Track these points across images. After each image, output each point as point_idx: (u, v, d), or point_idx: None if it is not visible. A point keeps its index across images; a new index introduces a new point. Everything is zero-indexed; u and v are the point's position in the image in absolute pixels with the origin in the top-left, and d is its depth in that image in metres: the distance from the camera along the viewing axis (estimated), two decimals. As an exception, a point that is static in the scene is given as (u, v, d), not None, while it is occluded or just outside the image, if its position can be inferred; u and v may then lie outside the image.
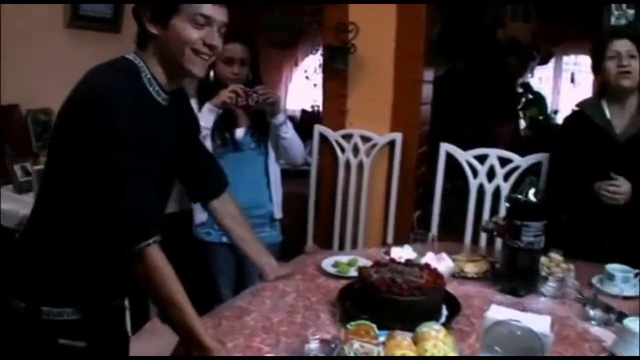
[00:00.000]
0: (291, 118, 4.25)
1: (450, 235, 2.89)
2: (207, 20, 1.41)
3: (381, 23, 3.24)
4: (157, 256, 1.34)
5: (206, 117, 2.42)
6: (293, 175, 3.67)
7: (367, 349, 1.24)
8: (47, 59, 3.01)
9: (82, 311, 1.45)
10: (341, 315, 1.57)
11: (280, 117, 2.57)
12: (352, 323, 1.34)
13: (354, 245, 3.34)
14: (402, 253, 1.98)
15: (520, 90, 5.85)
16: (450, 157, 2.91)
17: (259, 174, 2.65)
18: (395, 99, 3.29)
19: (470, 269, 1.95)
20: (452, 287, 1.79)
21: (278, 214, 2.71)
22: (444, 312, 1.57)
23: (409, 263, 1.73)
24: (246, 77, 2.55)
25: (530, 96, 5.94)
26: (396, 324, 1.36)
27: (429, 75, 3.43)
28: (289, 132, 2.60)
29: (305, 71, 6.37)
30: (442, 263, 1.90)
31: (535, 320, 1.24)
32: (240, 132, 2.58)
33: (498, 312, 1.25)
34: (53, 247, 1.44)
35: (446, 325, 1.44)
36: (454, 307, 1.60)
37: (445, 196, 3.14)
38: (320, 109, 4.00)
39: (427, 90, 3.43)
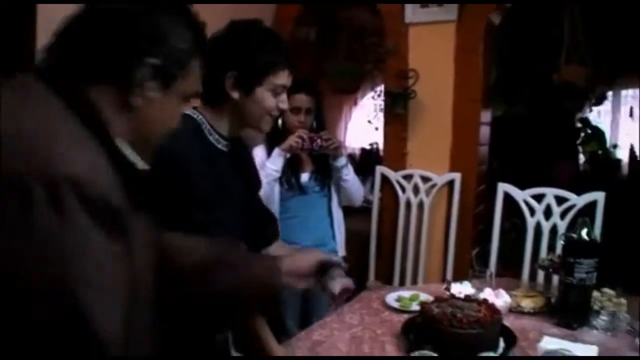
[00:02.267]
0: (351, 156, 4.41)
1: (508, 272, 2.92)
2: (284, 88, 1.61)
3: (440, 69, 3.38)
4: None
5: (275, 161, 2.61)
6: (355, 212, 3.82)
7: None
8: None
9: None
10: (405, 346, 1.67)
11: (342, 160, 2.73)
12: (416, 353, 1.46)
13: (414, 281, 3.43)
14: (462, 289, 2.07)
15: (579, 125, 5.84)
16: (508, 196, 2.99)
17: (323, 214, 2.80)
18: (453, 141, 3.40)
19: (527, 304, 2.02)
20: (509, 321, 1.86)
21: (342, 251, 2.84)
22: (501, 344, 1.66)
23: (467, 298, 1.82)
24: (311, 124, 2.72)
25: (589, 131, 5.90)
26: (456, 355, 1.47)
27: (486, 117, 3.53)
28: (349, 175, 2.76)
29: (368, 115, 6.55)
30: (499, 298, 1.98)
31: (584, 349, 1.33)
32: (305, 177, 2.74)
33: (550, 343, 1.35)
34: None
35: (503, 355, 1.54)
36: (511, 339, 1.69)
37: (504, 234, 3.21)
38: (380, 146, 4.15)
39: (485, 132, 3.53)
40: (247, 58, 1.57)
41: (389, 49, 3.48)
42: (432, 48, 3.40)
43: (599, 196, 2.73)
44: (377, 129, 5.05)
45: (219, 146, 1.62)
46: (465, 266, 3.28)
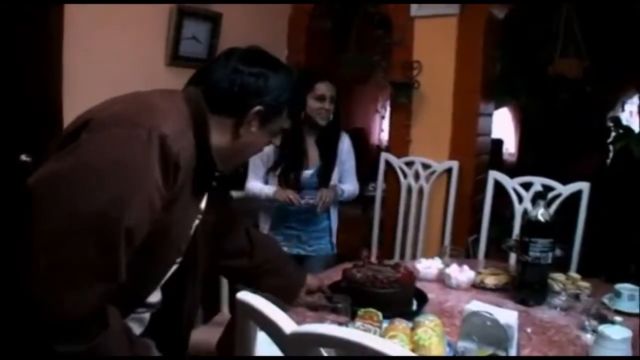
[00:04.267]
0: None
1: (503, 258, 3.01)
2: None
3: (442, 61, 3.48)
4: None
5: (271, 193, 2.69)
6: (361, 197, 3.96)
7: (366, 328, 1.50)
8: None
9: None
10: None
11: (340, 198, 2.82)
12: (362, 310, 1.60)
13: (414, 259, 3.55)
14: (431, 264, 2.21)
15: (610, 124, 5.81)
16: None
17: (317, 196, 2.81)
18: (453, 130, 3.51)
19: (490, 280, 2.10)
20: (470, 296, 1.95)
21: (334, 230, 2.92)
22: (414, 302, 1.84)
23: (382, 263, 1.95)
24: (333, 111, 2.75)
25: (620, 130, 5.86)
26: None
27: (486, 108, 3.61)
28: (344, 194, 2.84)
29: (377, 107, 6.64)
30: (463, 273, 2.09)
31: (506, 314, 1.44)
32: (307, 174, 2.78)
33: (476, 306, 1.47)
34: None
35: (417, 313, 1.70)
36: (422, 299, 1.86)
37: (504, 221, 3.29)
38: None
39: (485, 123, 3.61)
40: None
41: (395, 40, 3.58)
42: (436, 40, 3.49)
43: (584, 186, 2.78)
44: (383, 117, 5.17)
45: None
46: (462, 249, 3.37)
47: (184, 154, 1.20)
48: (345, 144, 2.88)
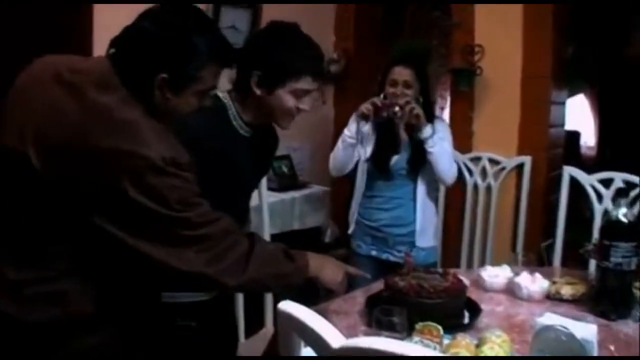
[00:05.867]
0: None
1: (581, 265, 2.93)
2: (305, 92, 1.82)
3: (507, 44, 3.43)
4: None
5: (350, 126, 2.81)
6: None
7: (426, 344, 1.49)
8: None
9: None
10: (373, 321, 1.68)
11: (426, 131, 2.72)
12: (420, 323, 1.59)
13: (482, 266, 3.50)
14: (499, 272, 2.16)
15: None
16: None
17: (406, 198, 2.86)
18: (522, 121, 3.45)
19: (567, 291, 2.03)
20: (543, 308, 1.89)
21: (420, 242, 2.85)
22: (466, 314, 1.80)
23: (428, 270, 1.93)
24: (415, 100, 2.75)
25: None
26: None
27: (559, 96, 3.54)
28: (434, 147, 2.73)
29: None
30: (535, 283, 2.03)
31: (583, 328, 1.41)
32: (395, 159, 2.84)
33: (549, 319, 1.44)
34: None
35: (469, 326, 1.69)
36: (476, 310, 1.82)
37: (584, 223, 3.22)
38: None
39: (558, 112, 3.55)
40: (272, 60, 1.79)
41: (454, 22, 3.55)
42: (500, 22, 3.44)
43: (674, 181, 2.69)
44: (442, 109, 5.10)
45: (241, 131, 1.89)
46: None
47: None
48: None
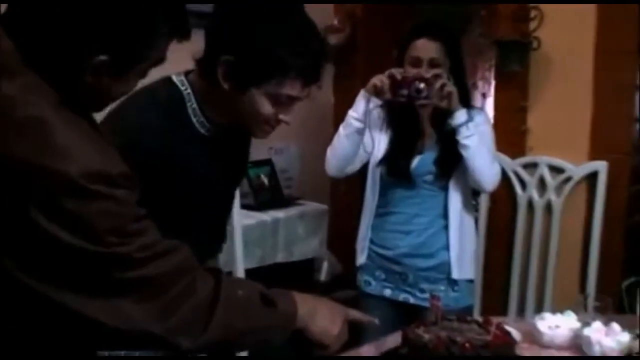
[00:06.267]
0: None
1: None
2: (290, 100, 1.76)
3: (574, 7, 3.39)
4: None
5: (357, 106, 2.77)
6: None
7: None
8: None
9: None
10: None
11: (461, 116, 2.69)
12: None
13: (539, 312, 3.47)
14: (561, 321, 2.13)
15: None
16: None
17: (434, 214, 2.86)
18: (595, 114, 3.42)
19: None
20: None
21: (458, 273, 2.84)
22: None
23: (463, 319, 1.92)
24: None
25: None
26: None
27: (650, 79, 3.50)
28: (471, 139, 2.70)
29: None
30: (611, 336, 2.01)
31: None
32: (418, 160, 2.82)
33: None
34: None
35: None
36: None
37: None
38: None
39: (648, 100, 3.51)
40: (249, 47, 1.71)
41: (502, -23, 3.54)
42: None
43: None
44: (484, 95, 5.08)
45: (201, 130, 1.85)
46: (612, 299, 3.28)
47: None
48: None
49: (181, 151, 1.79)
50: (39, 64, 1.32)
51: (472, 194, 2.92)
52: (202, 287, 1.48)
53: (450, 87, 2.66)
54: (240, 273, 2.58)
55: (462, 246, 2.86)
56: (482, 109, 2.96)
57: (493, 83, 3.93)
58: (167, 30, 1.39)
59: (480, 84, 6.36)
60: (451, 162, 2.78)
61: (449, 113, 2.69)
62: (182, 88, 1.82)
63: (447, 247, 2.85)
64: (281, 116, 1.79)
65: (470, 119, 2.69)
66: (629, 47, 3.35)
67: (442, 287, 2.84)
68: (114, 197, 1.30)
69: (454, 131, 2.68)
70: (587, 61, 3.43)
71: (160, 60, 1.46)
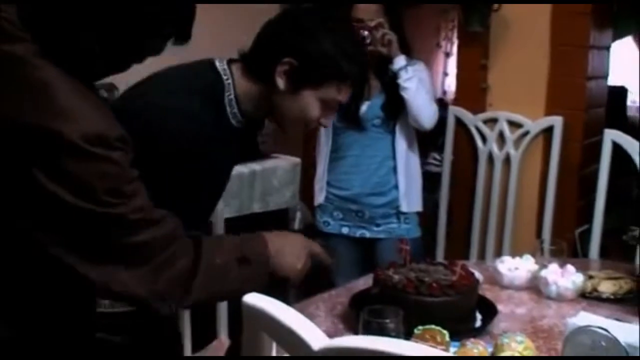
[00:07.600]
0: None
1: (625, 256, 2.99)
2: (336, 105, 1.86)
3: (533, -31, 3.43)
4: None
5: None
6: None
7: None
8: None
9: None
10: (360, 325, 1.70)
11: (399, 61, 2.87)
12: (420, 327, 1.65)
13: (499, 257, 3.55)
14: (520, 264, 2.22)
15: None
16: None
17: (384, 156, 3.04)
18: (551, 72, 3.49)
19: (607, 288, 2.11)
20: (576, 309, 1.94)
21: (407, 206, 3.04)
22: (478, 315, 1.87)
23: (431, 262, 1.99)
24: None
25: None
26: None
27: (601, 39, 3.58)
28: (410, 83, 2.88)
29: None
30: (567, 278, 2.09)
31: (628, 331, 1.47)
32: (367, 106, 2.97)
33: (584, 319, 1.50)
34: None
35: (482, 330, 1.76)
36: (491, 310, 1.88)
37: (625, 205, 3.27)
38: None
39: (600, 60, 3.59)
40: (314, 53, 1.79)
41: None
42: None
43: None
44: (448, 54, 5.07)
45: (233, 121, 1.86)
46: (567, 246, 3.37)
47: None
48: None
49: (210, 139, 1.80)
50: (47, 38, 1.32)
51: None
52: (183, 255, 1.50)
53: (391, 35, 2.83)
54: (219, 223, 2.63)
55: (409, 183, 3.05)
56: (421, 63, 3.07)
57: (456, 43, 3.96)
58: (170, 32, 1.41)
59: (443, 43, 6.43)
60: (396, 107, 2.94)
61: (389, 60, 2.85)
62: (225, 77, 1.83)
63: (397, 186, 3.03)
64: (323, 120, 1.87)
65: (409, 63, 2.87)
66: (583, 9, 3.41)
67: (395, 221, 3.04)
68: (111, 159, 1.32)
69: (395, 76, 2.84)
70: (544, 22, 3.49)
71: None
